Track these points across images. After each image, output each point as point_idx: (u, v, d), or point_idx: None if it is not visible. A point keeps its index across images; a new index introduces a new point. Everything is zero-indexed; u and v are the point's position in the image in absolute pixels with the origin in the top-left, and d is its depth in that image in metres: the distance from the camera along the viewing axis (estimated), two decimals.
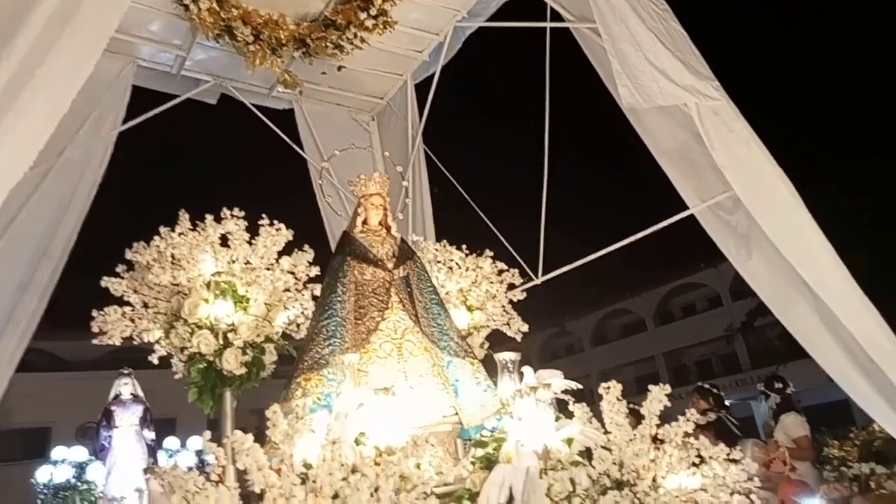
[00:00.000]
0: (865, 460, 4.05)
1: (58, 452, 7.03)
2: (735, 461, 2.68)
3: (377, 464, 2.05)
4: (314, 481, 1.89)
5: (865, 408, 3.14)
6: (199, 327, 2.78)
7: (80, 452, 6.93)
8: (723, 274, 21.42)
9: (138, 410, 6.72)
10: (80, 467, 6.79)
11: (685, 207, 3.69)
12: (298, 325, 3.23)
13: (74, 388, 14.18)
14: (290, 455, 1.88)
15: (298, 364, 2.84)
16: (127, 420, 6.59)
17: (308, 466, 1.99)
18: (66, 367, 18.55)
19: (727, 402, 4.98)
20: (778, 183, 3.23)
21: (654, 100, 3.33)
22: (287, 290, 3.10)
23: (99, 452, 6.67)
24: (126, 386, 6.86)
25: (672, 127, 3.65)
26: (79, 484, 6.70)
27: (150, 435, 6.74)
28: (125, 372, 6.95)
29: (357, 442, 2.25)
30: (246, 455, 1.82)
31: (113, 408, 6.71)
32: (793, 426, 4.56)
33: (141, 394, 6.95)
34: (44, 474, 6.83)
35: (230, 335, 2.83)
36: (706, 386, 4.86)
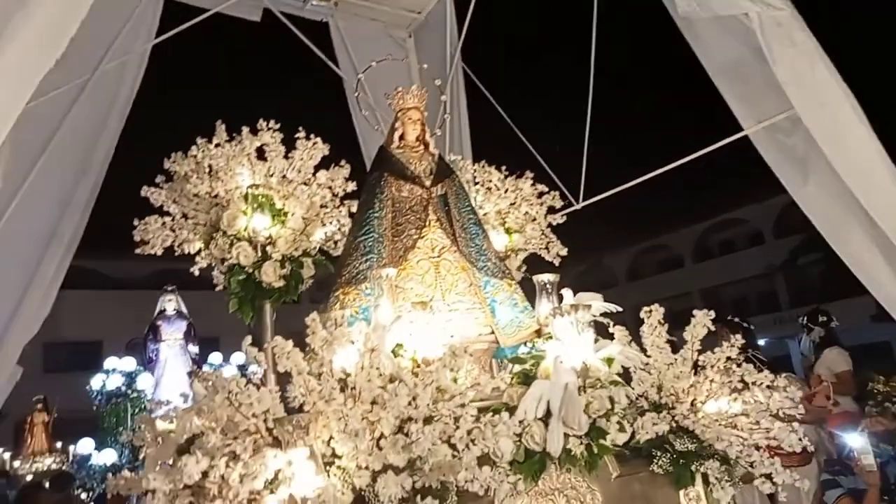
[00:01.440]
0: None
1: (109, 363, 7.42)
2: (777, 388, 2.62)
3: (415, 374, 2.06)
4: (353, 388, 1.90)
5: None
6: (238, 239, 2.78)
7: (129, 363, 7.30)
8: (767, 210, 20.82)
9: (182, 325, 6.99)
10: (130, 377, 7.17)
11: (737, 132, 3.49)
12: (336, 242, 3.22)
13: (124, 307, 14.76)
14: (330, 360, 1.88)
15: (336, 278, 2.84)
16: (172, 334, 6.87)
17: (347, 374, 2.00)
18: (116, 285, 19.39)
19: (759, 340, 4.87)
20: (843, 102, 3.01)
21: (712, 8, 3.09)
22: (324, 205, 3.07)
23: (147, 364, 7.00)
24: (170, 302, 7.11)
25: (729, 40, 3.41)
26: (129, 392, 7.09)
27: (194, 349, 7.04)
28: (169, 289, 7.19)
29: (394, 354, 2.26)
30: (287, 358, 1.83)
31: (159, 322, 6.99)
32: (836, 360, 4.47)
33: (185, 310, 7.21)
34: (97, 382, 7.24)
35: (268, 248, 2.83)
36: (735, 319, 4.74)
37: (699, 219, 23.84)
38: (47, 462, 7.70)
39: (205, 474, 1.80)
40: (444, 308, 2.87)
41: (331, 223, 3.11)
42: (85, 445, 7.13)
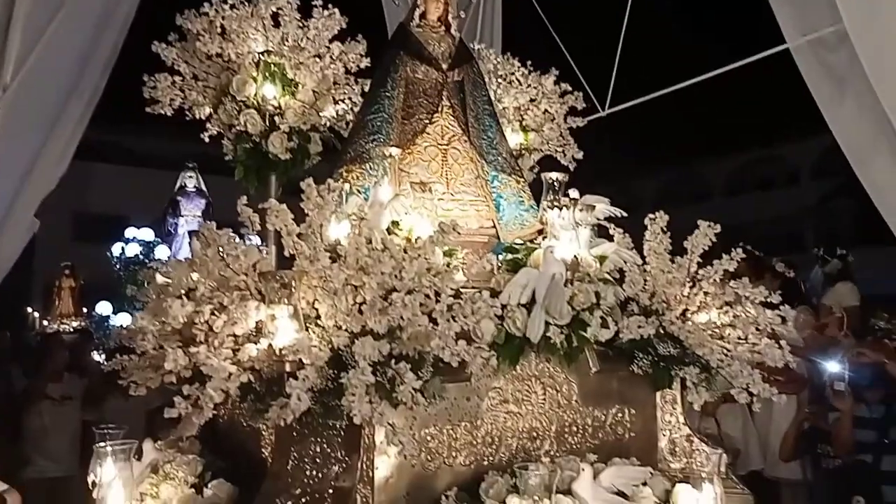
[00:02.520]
0: None
1: (129, 232, 7.66)
2: (772, 305, 2.62)
3: (405, 250, 2.08)
4: (341, 255, 1.93)
5: None
6: (247, 106, 2.76)
7: (148, 234, 7.53)
8: (806, 150, 20.06)
9: (201, 203, 7.13)
10: (149, 247, 7.40)
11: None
12: (347, 123, 3.19)
13: (152, 184, 14.95)
14: (320, 224, 1.91)
15: (341, 156, 2.83)
16: (191, 210, 7.03)
17: (337, 243, 2.03)
18: (145, 164, 19.66)
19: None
20: (894, 19, 2.81)
21: None
22: (336, 81, 3.01)
23: (165, 237, 7.20)
24: (191, 179, 7.22)
25: None
26: (147, 261, 7.37)
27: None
28: (190, 165, 7.28)
29: (389, 231, 2.28)
30: (276, 216, 1.86)
31: (179, 198, 7.13)
32: (847, 294, 4.45)
33: (205, 188, 7.32)
34: (117, 249, 7.50)
35: (276, 119, 2.81)
36: (781, 268, 4.68)
37: (735, 151, 23.07)
38: (73, 325, 8.15)
39: (193, 322, 1.89)
40: (448, 197, 2.86)
41: (343, 101, 3.06)
42: (104, 308, 7.49)
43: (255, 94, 2.76)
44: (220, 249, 1.91)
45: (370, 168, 2.71)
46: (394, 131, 2.82)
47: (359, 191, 2.64)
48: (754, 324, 2.58)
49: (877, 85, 2.82)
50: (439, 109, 2.94)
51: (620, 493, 2.18)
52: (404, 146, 2.78)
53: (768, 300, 2.59)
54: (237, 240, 1.95)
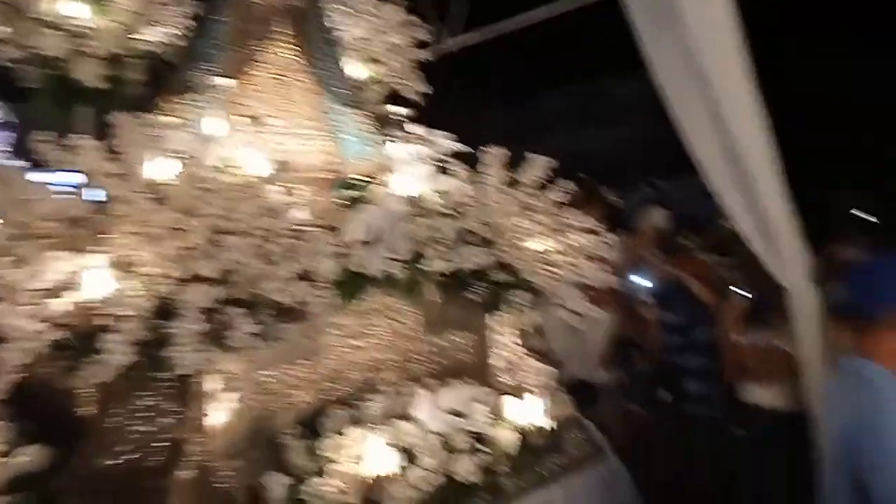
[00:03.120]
0: (707, 251, 4.50)
1: None
2: (595, 232, 2.87)
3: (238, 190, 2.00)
4: (161, 196, 1.82)
5: (723, 202, 3.36)
6: (47, 25, 2.42)
7: None
8: (635, 86, 21.46)
9: (8, 136, 6.21)
10: None
11: None
12: (175, 50, 2.90)
13: None
14: (136, 163, 1.77)
15: (165, 86, 2.60)
16: None
17: (160, 183, 1.90)
18: None
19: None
20: None
21: None
22: (162, 2, 2.71)
23: None
24: None
25: None
26: None
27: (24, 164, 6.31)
28: None
29: (220, 170, 2.16)
30: (84, 152, 1.69)
31: None
32: (658, 218, 4.97)
33: (9, 119, 6.39)
34: None
35: (85, 41, 2.49)
36: (603, 192, 5.07)
37: (575, 83, 24.16)
38: None
39: None
40: (286, 131, 2.75)
41: (169, 25, 2.77)
42: None
43: (57, 12, 2.42)
44: (18, 192, 1.71)
45: (198, 100, 2.52)
46: (224, 59, 2.63)
47: (185, 124, 2.45)
48: (580, 250, 2.82)
49: (690, 22, 3.04)
50: (275, 37, 2.77)
51: (457, 413, 2.35)
52: (236, 76, 2.61)
53: (593, 227, 2.84)
54: (40, 179, 1.76)
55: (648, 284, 3.93)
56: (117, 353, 1.58)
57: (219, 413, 1.99)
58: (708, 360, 3.98)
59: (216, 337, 1.74)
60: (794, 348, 3.27)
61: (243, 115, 2.39)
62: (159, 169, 1.93)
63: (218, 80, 2.44)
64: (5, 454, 1.98)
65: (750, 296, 3.58)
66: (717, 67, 3.06)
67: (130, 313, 1.65)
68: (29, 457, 1.96)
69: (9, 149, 6.19)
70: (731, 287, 3.81)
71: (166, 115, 2.43)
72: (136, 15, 2.70)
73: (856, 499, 1.75)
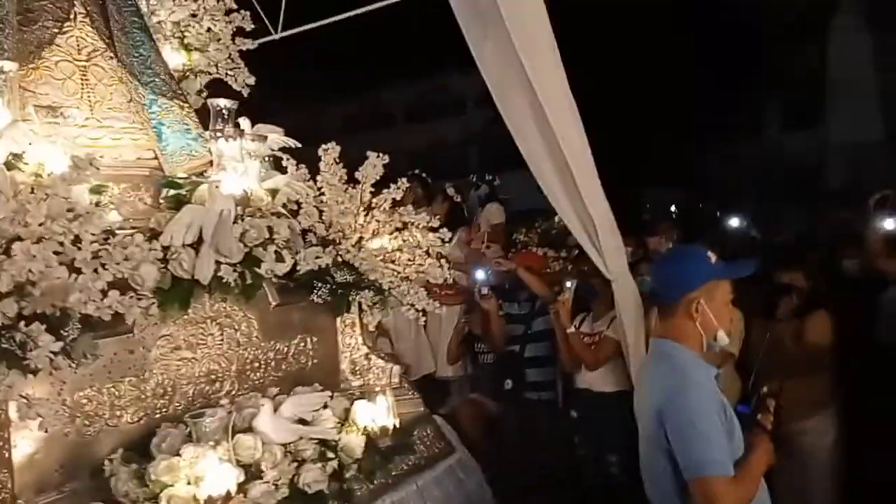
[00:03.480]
0: (541, 245, 4.80)
1: None
2: (434, 229, 2.90)
3: (32, 190, 1.74)
4: None
5: (551, 200, 3.58)
6: None
7: None
8: (471, 81, 22.40)
9: None
10: None
11: None
12: None
13: None
14: None
15: None
16: None
17: None
18: None
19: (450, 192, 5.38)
20: None
21: None
22: None
23: None
24: None
25: None
26: None
27: None
28: None
29: (8, 165, 1.87)
30: None
31: None
32: (495, 213, 5.20)
33: None
34: None
35: None
36: (445, 189, 5.18)
37: (411, 80, 24.66)
38: None
39: None
40: (93, 123, 2.46)
41: None
42: None
43: None
44: None
45: None
46: (8, 40, 2.27)
47: None
48: (419, 246, 2.83)
49: (509, 22, 3.19)
50: (71, 17, 2.45)
51: (302, 421, 2.25)
52: (24, 60, 2.27)
53: (430, 224, 2.87)
54: None
55: (486, 278, 4.09)
56: None
57: (26, 441, 1.72)
58: (547, 348, 4.24)
59: (14, 357, 1.49)
60: (619, 334, 3.58)
61: (37, 106, 2.08)
62: None
63: (1, 65, 2.11)
64: None
65: (575, 287, 3.86)
66: (537, 65, 3.25)
67: None
68: None
69: None
70: (563, 279, 4.09)
71: None
72: None
73: (669, 469, 1.93)
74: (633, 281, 3.61)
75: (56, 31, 2.38)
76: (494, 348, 4.45)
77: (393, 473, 2.43)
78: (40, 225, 1.63)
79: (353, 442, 2.27)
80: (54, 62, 2.39)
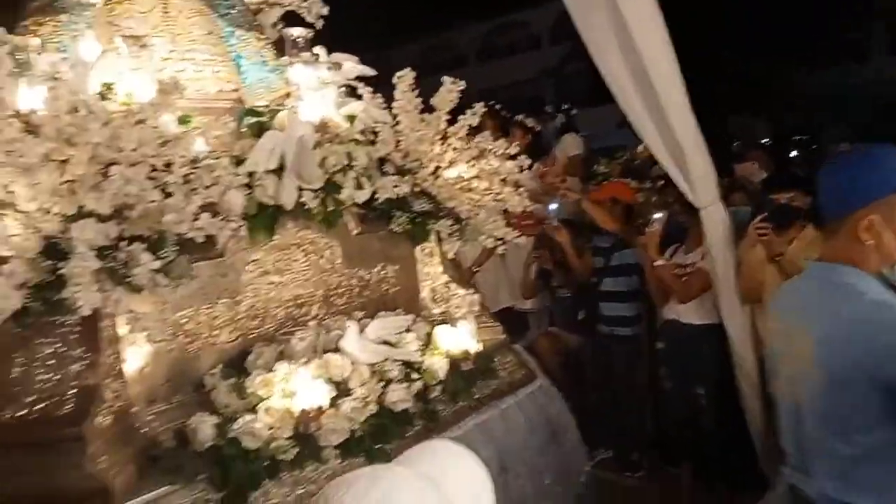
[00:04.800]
0: (623, 176, 4.62)
1: None
2: (512, 157, 2.83)
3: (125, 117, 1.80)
4: (35, 124, 1.60)
5: (636, 127, 3.41)
6: None
7: None
8: (545, 15, 21.56)
9: None
10: None
11: None
12: None
13: None
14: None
15: (26, 5, 2.29)
16: None
17: (31, 111, 1.67)
18: None
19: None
20: None
21: None
22: None
23: None
24: None
25: None
26: None
27: None
28: None
29: (102, 96, 1.94)
30: None
31: None
32: (571, 144, 5.03)
33: None
34: None
35: None
36: (525, 120, 5.05)
37: (483, 19, 23.97)
38: None
39: None
40: (176, 56, 2.51)
41: None
42: None
43: None
44: None
45: (68, 20, 2.24)
46: None
47: (56, 48, 2.18)
48: (497, 174, 2.78)
49: None
50: None
51: (387, 343, 2.30)
52: None
53: (508, 152, 2.80)
54: None
55: (558, 209, 4.00)
56: (5, 297, 1.40)
57: (136, 356, 1.85)
58: (628, 283, 4.13)
59: (117, 275, 1.58)
60: (709, 265, 3.43)
61: (124, 37, 2.13)
62: (29, 96, 1.70)
63: None
64: None
65: (665, 218, 3.71)
66: None
67: (12, 254, 1.46)
68: None
69: None
70: (648, 211, 3.94)
71: (33, 35, 2.14)
72: None
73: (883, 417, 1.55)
74: (723, 209, 3.43)
75: None
76: (569, 282, 4.39)
77: (476, 397, 2.47)
78: (133, 150, 1.69)
79: (437, 364, 2.30)
80: None
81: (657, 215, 3.68)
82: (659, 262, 3.65)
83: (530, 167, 3.20)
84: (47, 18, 2.23)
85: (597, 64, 3.35)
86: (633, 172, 4.70)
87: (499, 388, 2.59)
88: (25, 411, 1.63)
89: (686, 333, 3.67)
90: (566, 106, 5.15)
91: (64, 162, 1.58)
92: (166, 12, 2.50)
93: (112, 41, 2.24)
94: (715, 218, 3.40)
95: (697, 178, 3.34)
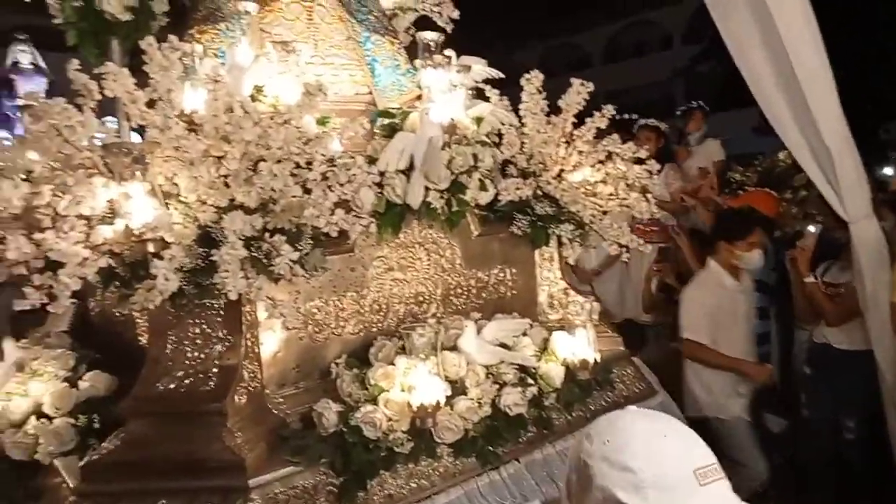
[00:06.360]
0: (760, 185, 4.31)
1: None
2: (640, 160, 2.73)
3: (272, 118, 1.93)
4: (196, 123, 1.76)
5: (779, 130, 3.18)
6: None
7: None
8: (678, 13, 20.60)
9: (41, 81, 6.22)
10: None
11: None
12: None
13: None
14: (168, 90, 1.70)
15: (191, 15, 2.52)
16: (29, 91, 6.12)
17: (193, 112, 1.84)
18: None
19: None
20: None
21: None
22: None
23: (2, 123, 6.30)
24: (24, 53, 6.23)
25: None
26: None
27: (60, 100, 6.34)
28: (21, 37, 6.23)
29: (253, 98, 2.10)
30: (113, 80, 1.63)
31: (13, 76, 6.18)
32: (717, 150, 4.77)
33: (43, 65, 6.38)
34: None
35: None
36: (652, 122, 4.87)
37: (611, 19, 23.28)
38: None
39: (36, 207, 1.68)
40: (317, 60, 2.66)
41: None
42: None
43: None
44: (54, 123, 1.67)
45: (226, 28, 2.44)
46: None
47: (215, 54, 2.38)
48: (624, 179, 2.69)
49: None
50: None
51: (503, 346, 2.30)
52: (262, 2, 2.51)
53: (636, 156, 2.71)
54: (73, 110, 1.71)
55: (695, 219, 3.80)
56: (166, 279, 1.56)
57: (271, 341, 1.99)
58: (761, 300, 3.85)
59: (260, 264, 1.70)
60: (858, 286, 3.13)
61: (273, 43, 2.29)
62: (193, 98, 1.87)
63: (244, 6, 2.35)
64: (69, 381, 2.04)
65: (817, 233, 3.43)
66: None
67: (174, 240, 1.62)
68: (92, 382, 2.02)
69: (43, 94, 6.21)
70: (794, 223, 3.65)
71: (196, 43, 2.35)
72: None
73: None
74: (875, 224, 3.12)
75: None
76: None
77: (591, 408, 2.42)
78: (279, 148, 1.81)
79: (553, 371, 2.28)
80: (286, 3, 2.62)
81: (810, 229, 3.40)
82: (809, 280, 3.37)
83: (659, 172, 3.08)
84: (209, 27, 2.45)
85: (737, 63, 3.15)
86: (773, 181, 4.36)
87: (616, 400, 2.52)
88: (175, 385, 1.81)
89: (836, 359, 3.36)
90: (696, 103, 4.88)
91: (220, 158, 1.73)
92: (310, 19, 2.66)
93: (263, 46, 2.42)
94: (866, 234, 3.09)
95: (847, 188, 3.06)
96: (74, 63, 1.73)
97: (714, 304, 3.34)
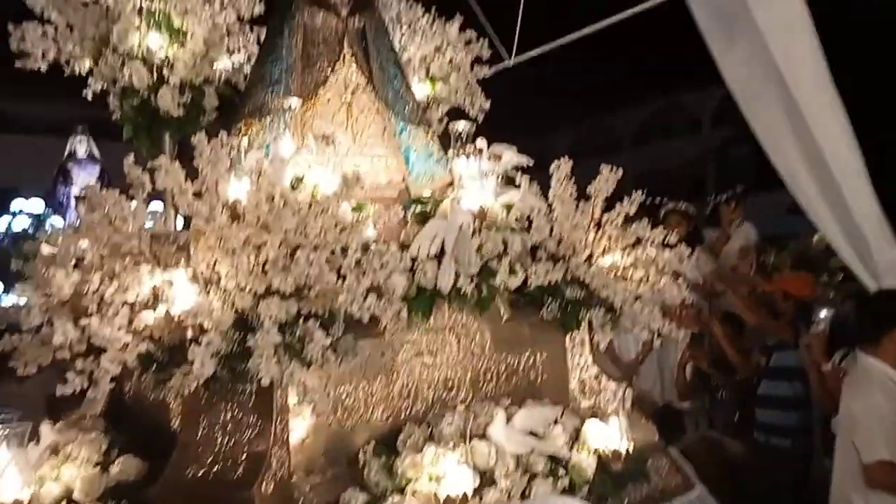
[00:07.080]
0: (795, 268, 4.25)
1: (16, 204, 7.02)
2: (671, 245, 2.74)
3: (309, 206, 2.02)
4: (240, 213, 1.85)
5: (808, 212, 3.17)
6: (131, 57, 2.55)
7: (37, 205, 6.92)
8: (706, 98, 20.95)
9: (94, 170, 6.60)
10: (39, 219, 6.82)
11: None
12: (244, 75, 3.02)
13: (40, 152, 13.78)
14: (215, 181, 1.81)
15: (239, 109, 2.69)
16: (84, 179, 6.49)
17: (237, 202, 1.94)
18: (29, 130, 17.96)
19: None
20: None
21: None
22: (229, 31, 2.83)
23: (57, 209, 6.65)
24: (82, 144, 6.66)
25: None
26: (37, 235, 6.72)
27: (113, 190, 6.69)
28: (80, 129, 6.69)
29: (293, 187, 2.20)
30: (166, 174, 1.74)
31: (69, 165, 6.58)
32: (751, 233, 4.76)
33: (97, 154, 6.79)
34: (3, 223, 6.87)
35: (165, 71, 2.62)
36: (682, 207, 4.91)
37: (641, 103, 23.77)
38: None
39: (83, 293, 1.76)
40: (355, 151, 2.78)
41: (238, 51, 2.89)
42: None
43: (139, 45, 2.55)
44: (107, 212, 1.78)
45: (270, 121, 2.59)
46: (294, 82, 2.70)
47: (259, 146, 2.52)
48: (654, 263, 2.70)
49: (762, 24, 2.93)
50: (341, 58, 2.82)
51: (534, 434, 2.26)
52: (305, 97, 2.68)
53: (666, 241, 2.72)
54: (125, 201, 1.82)
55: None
56: (202, 363, 1.60)
57: (300, 427, 1.99)
58: (790, 388, 3.71)
59: (293, 350, 1.74)
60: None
61: (314, 136, 2.42)
62: (238, 188, 1.98)
63: (288, 102, 2.50)
64: (101, 465, 2.05)
65: (830, 316, 3.34)
66: (795, 70, 2.93)
67: (213, 325, 1.67)
68: (122, 467, 2.03)
69: (96, 181, 6.58)
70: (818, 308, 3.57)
71: (244, 136, 2.50)
72: (207, 43, 2.81)
73: None
74: None
75: (329, 71, 2.76)
76: (729, 382, 4.03)
77: (626, 501, 2.32)
78: (316, 236, 1.88)
79: (585, 462, 2.21)
80: (326, 98, 2.77)
81: (822, 313, 3.30)
82: (826, 368, 3.25)
83: (690, 256, 3.07)
84: (255, 120, 2.60)
85: (765, 149, 3.20)
86: (807, 263, 4.30)
87: (651, 494, 2.42)
88: (204, 471, 1.81)
89: None
90: (737, 189, 4.90)
91: (259, 246, 1.80)
92: (349, 112, 2.81)
93: (305, 139, 2.56)
94: None
95: (884, 268, 3.01)
96: (131, 158, 1.86)
97: (893, 409, 2.68)
